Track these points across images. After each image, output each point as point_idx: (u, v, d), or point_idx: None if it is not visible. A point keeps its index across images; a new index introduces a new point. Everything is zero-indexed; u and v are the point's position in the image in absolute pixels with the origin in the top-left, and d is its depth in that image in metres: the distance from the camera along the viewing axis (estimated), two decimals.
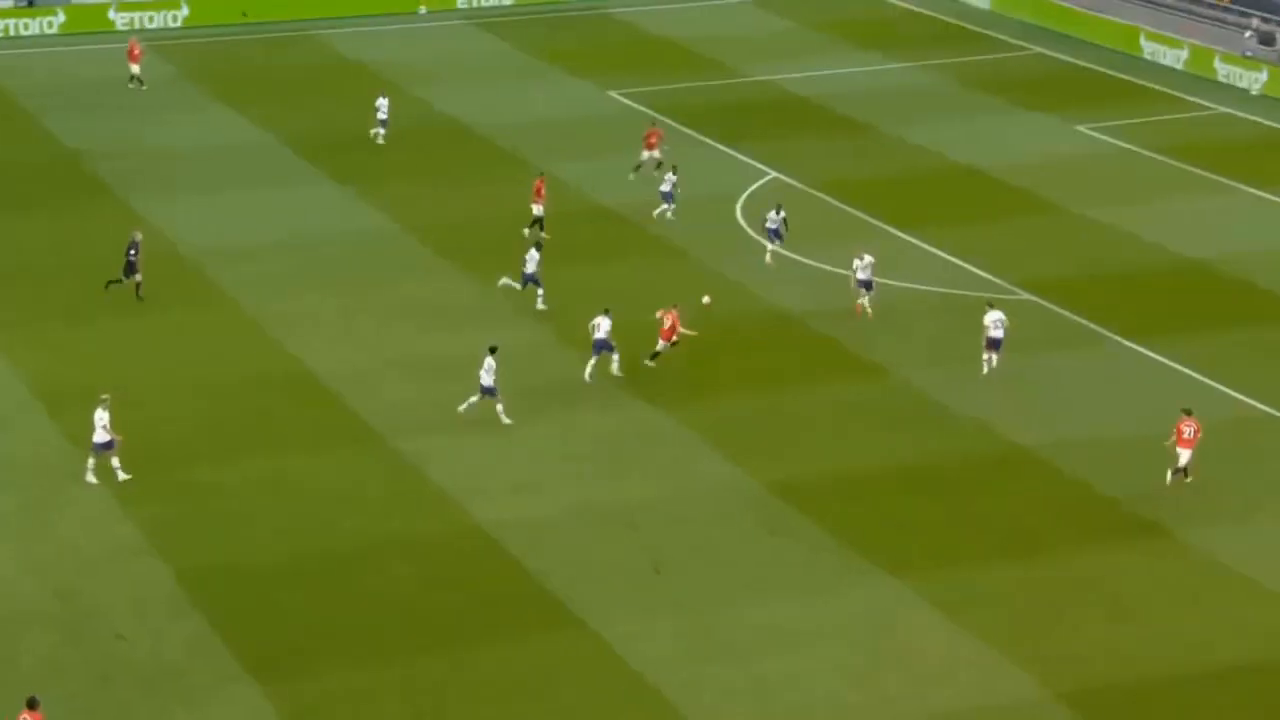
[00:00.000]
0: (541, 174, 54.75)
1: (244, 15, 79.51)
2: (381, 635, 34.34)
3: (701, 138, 64.46)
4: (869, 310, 48.07)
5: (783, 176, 60.10)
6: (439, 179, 60.00)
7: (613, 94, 69.96)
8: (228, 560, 36.75)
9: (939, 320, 48.73)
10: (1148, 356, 46.64)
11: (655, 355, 44.92)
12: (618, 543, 37.55)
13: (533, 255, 48.94)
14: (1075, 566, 36.68)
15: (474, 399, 42.17)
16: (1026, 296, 50.34)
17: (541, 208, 53.77)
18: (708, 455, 41.29)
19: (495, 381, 41.86)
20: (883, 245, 52.71)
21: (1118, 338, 47.61)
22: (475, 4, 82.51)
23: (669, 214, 54.99)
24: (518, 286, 49.05)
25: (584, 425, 42.42)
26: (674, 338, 44.69)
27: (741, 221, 55.95)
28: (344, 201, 57.92)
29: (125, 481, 38.99)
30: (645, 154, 59.35)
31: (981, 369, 45.04)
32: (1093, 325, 48.38)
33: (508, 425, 41.91)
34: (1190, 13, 76.43)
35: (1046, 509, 39.06)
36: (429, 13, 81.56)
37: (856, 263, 48.30)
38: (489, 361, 41.98)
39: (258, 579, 36.04)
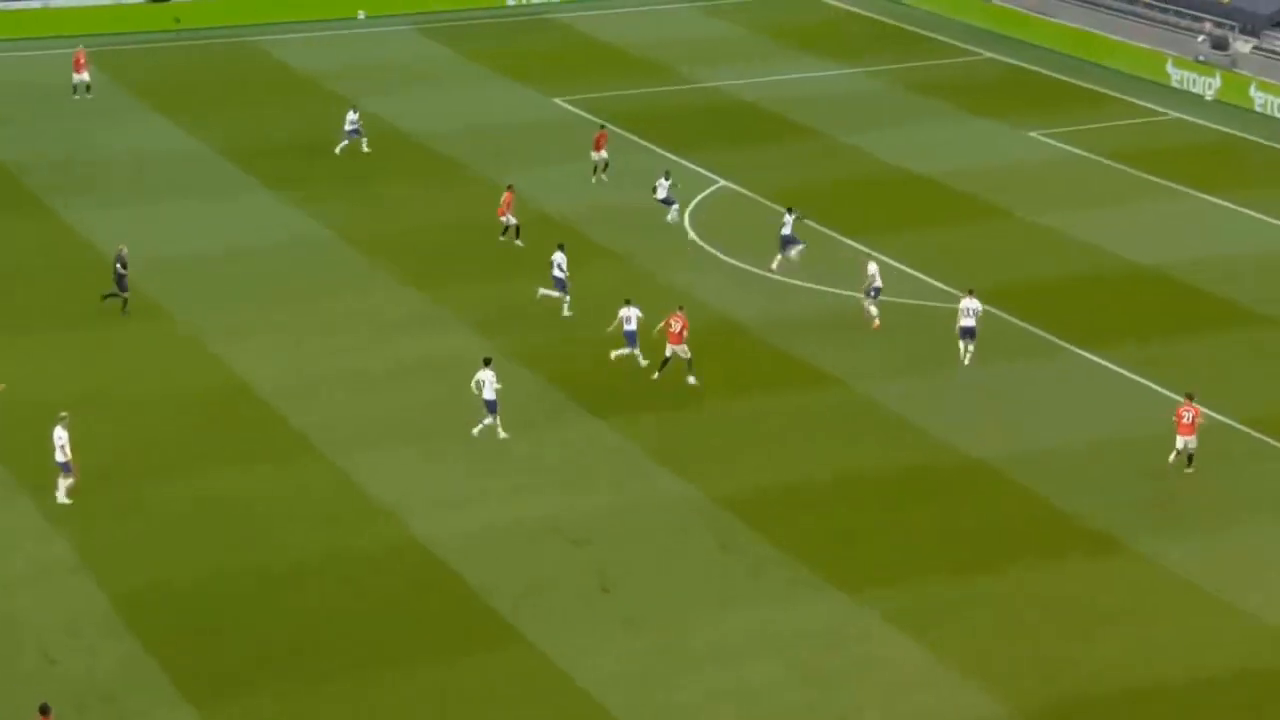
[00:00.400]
0: (509, 186, 54.50)
1: (176, 22, 79.05)
2: (321, 655, 34.06)
3: (648, 145, 64.42)
4: (875, 319, 48.27)
5: (731, 184, 60.12)
6: (380, 188, 59.74)
7: (558, 101, 69.87)
8: (163, 579, 36.39)
9: (891, 330, 48.78)
10: (1103, 365, 46.80)
11: (665, 364, 44.82)
12: (564, 558, 37.39)
13: (559, 259, 49.30)
14: (1034, 581, 36.71)
15: (487, 421, 41.76)
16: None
17: (512, 218, 53.65)
18: (655, 469, 41.17)
19: (497, 395, 41.59)
20: (833, 254, 52.75)
21: (1072, 347, 47.77)
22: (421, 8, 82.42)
23: (672, 217, 55.22)
24: (555, 294, 49.13)
25: (528, 438, 42.24)
26: (683, 342, 44.54)
27: (689, 230, 55.92)
28: (282, 212, 57.59)
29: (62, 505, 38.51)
30: (595, 155, 59.51)
31: (963, 359, 45.95)
32: (1047, 334, 48.53)
33: (504, 439, 41.77)
34: (1141, 16, 76.94)
35: (1004, 523, 39.10)
36: (368, 18, 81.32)
37: (871, 267, 48.64)
38: (487, 375, 41.56)
39: (193, 599, 35.70)
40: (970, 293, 46.54)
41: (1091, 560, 37.49)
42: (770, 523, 38.72)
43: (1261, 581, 36.69)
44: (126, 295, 48.97)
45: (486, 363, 42.01)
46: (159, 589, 36.00)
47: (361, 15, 64.42)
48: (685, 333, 44.65)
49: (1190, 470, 40.48)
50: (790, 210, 52.61)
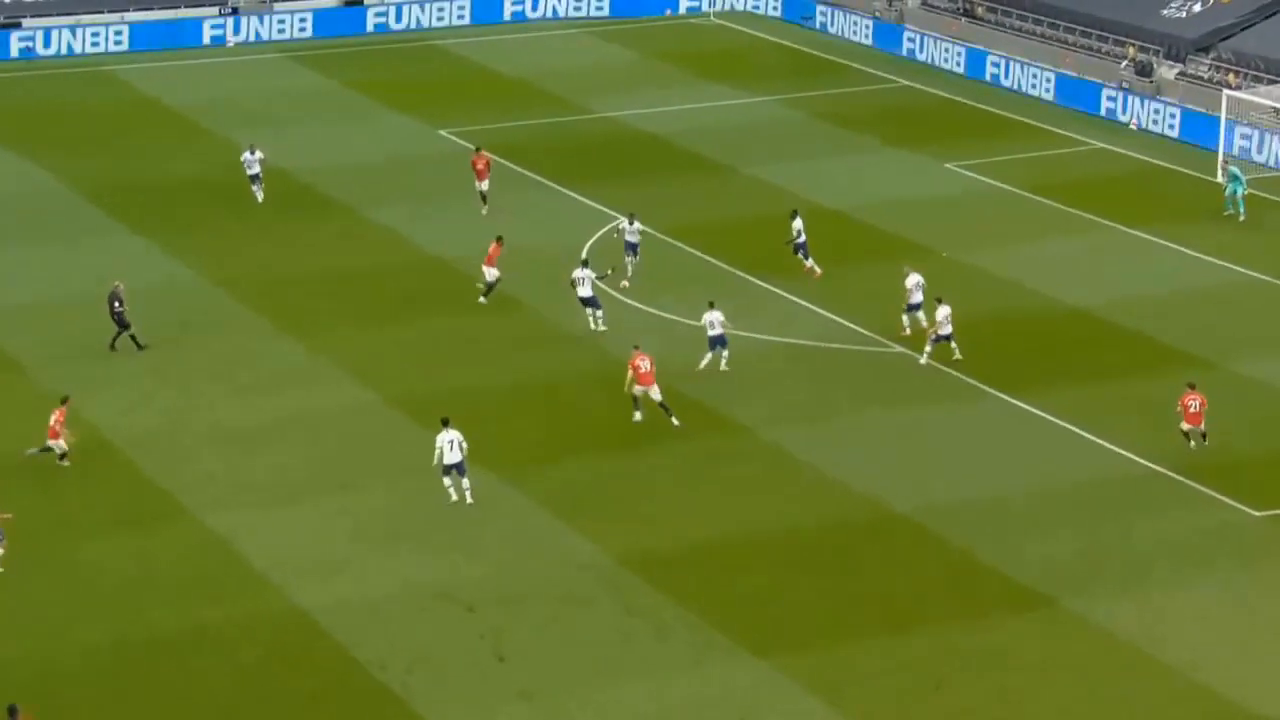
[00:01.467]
0: (499, 238, 53.32)
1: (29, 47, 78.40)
2: None
3: (541, 179, 64.36)
4: (907, 330, 50.52)
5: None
6: (251, 227, 59.27)
7: (443, 132, 69.70)
8: (15, 656, 35.70)
9: (803, 374, 48.87)
10: (1024, 410, 47.06)
11: (637, 402, 45.20)
12: (454, 626, 37.05)
13: (586, 275, 49.85)
14: (957, 641, 36.76)
15: (451, 483, 41.15)
16: (897, 349, 50.65)
17: (494, 271, 52.44)
18: (551, 525, 40.94)
19: (464, 457, 40.92)
20: (740, 295, 52.82)
21: (993, 390, 48.02)
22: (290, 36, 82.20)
23: (629, 268, 54.12)
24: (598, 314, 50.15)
25: (413, 495, 41.90)
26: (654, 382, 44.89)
27: (589, 270, 55.71)
28: (144, 253, 57.00)
29: None
30: (479, 185, 59.34)
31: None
32: (966, 378, 48.78)
33: (470, 505, 41.12)
34: (1064, 42, 77.87)
35: (923, 579, 39.15)
36: (236, 46, 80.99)
37: (911, 279, 50.54)
38: (452, 436, 40.81)
39: (50, 677, 34.99)
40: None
41: (1017, 617, 37.59)
42: (677, 583, 38.54)
43: (1191, 638, 36.91)
44: (131, 330, 49.06)
45: (446, 423, 41.21)
46: (11, 667, 35.28)
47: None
48: (652, 370, 45.05)
49: (1206, 444, 43.92)
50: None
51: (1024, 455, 44.66)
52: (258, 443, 44.50)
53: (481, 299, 52.55)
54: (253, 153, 60.63)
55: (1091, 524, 41.23)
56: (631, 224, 54.71)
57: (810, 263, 55.08)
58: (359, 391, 47.16)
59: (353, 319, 52.13)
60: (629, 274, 54.05)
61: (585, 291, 50.60)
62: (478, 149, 60.48)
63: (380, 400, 46.53)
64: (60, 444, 42.93)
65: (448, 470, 41.22)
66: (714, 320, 48.19)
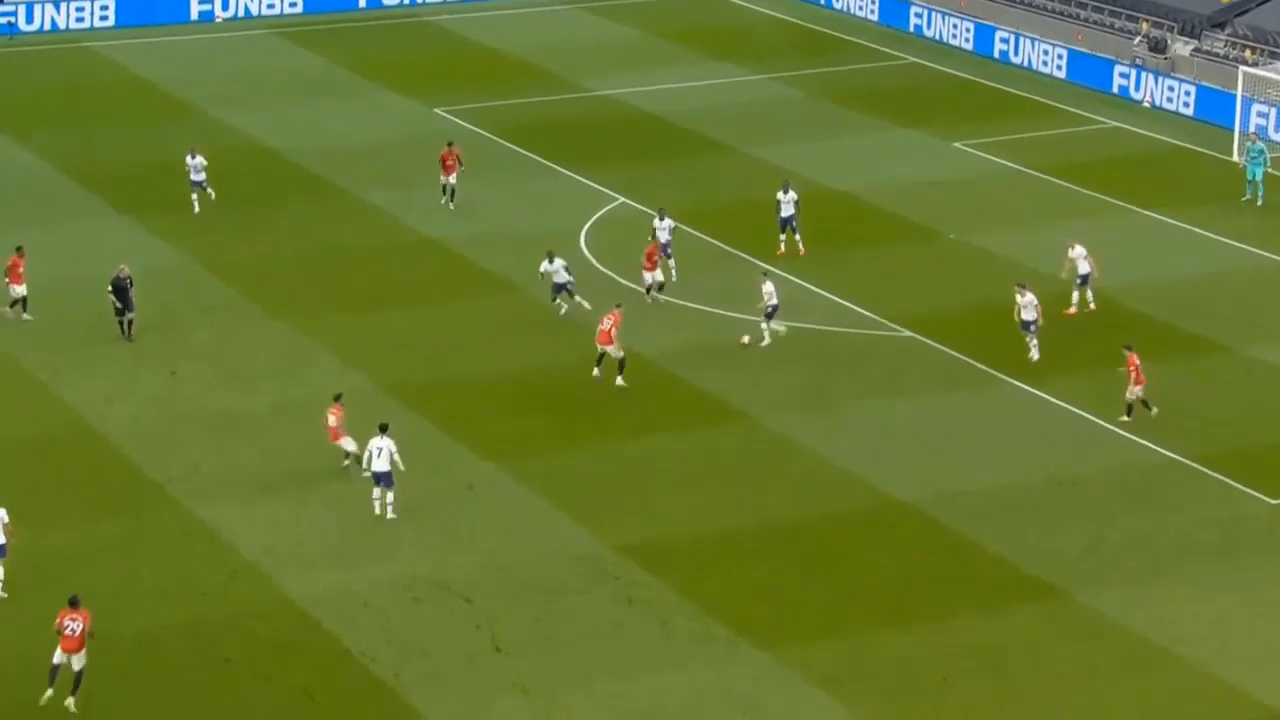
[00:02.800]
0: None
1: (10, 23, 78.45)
2: None
3: (539, 159, 64.45)
4: (1091, 305, 51.06)
5: (631, 202, 60.23)
6: (244, 212, 59.33)
7: (440, 111, 69.78)
8: None
9: (810, 361, 48.98)
10: (1038, 397, 47.19)
11: (600, 359, 45.92)
12: (449, 617, 37.20)
13: (555, 265, 49.59)
14: (962, 633, 36.90)
15: (378, 494, 40.35)
16: (905, 333, 50.78)
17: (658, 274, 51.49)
18: (550, 515, 41.08)
19: (393, 466, 40.07)
20: (743, 278, 52.92)
21: (1005, 377, 48.13)
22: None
23: (672, 272, 52.99)
24: (587, 305, 49.45)
25: (410, 484, 42.02)
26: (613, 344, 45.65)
27: (586, 253, 55.93)
28: (133, 236, 57.08)
29: None
30: (445, 179, 58.57)
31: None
32: (978, 364, 48.89)
33: (392, 520, 40.39)
34: (1075, 18, 77.89)
35: (929, 569, 39.29)
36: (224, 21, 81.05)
37: (1075, 250, 51.31)
38: (383, 444, 40.02)
39: (26, 668, 35.04)
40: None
41: (1026, 609, 37.71)
42: (679, 574, 38.69)
43: (1205, 630, 37.01)
44: (132, 316, 48.81)
45: (383, 429, 40.75)
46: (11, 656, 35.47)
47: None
48: (615, 331, 45.56)
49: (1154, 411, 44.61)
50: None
51: (1035, 442, 44.77)
52: (249, 429, 44.63)
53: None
54: (194, 157, 58.34)
55: (1104, 513, 41.35)
56: (662, 220, 53.91)
57: (797, 239, 54.91)
58: (350, 375, 47.28)
59: (345, 303, 52.25)
60: (673, 277, 52.70)
61: (560, 279, 50.14)
62: (450, 144, 59.80)
63: (373, 387, 46.65)
64: (347, 444, 41.65)
65: (377, 480, 40.18)
66: (770, 290, 48.79)
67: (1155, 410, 44.91)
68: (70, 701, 33.66)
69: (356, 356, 48.68)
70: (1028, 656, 36.18)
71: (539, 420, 45.41)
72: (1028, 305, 48.35)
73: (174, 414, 45.58)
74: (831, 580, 38.81)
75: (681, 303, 51.85)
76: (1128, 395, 44.98)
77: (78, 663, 33.68)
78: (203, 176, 58.19)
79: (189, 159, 58.54)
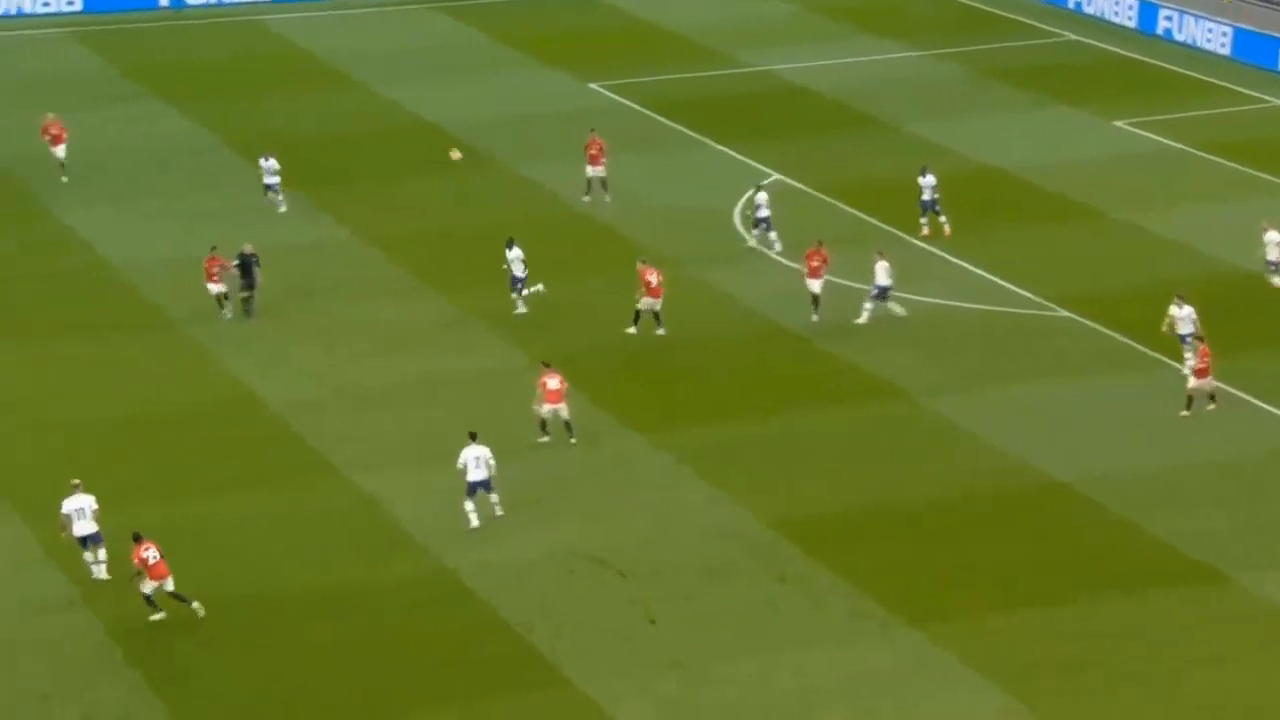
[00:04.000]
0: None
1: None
2: (336, 695, 34.17)
3: (694, 134, 64.53)
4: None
5: (785, 178, 60.19)
6: (401, 185, 59.92)
7: (594, 86, 70.04)
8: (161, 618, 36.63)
9: (965, 339, 48.76)
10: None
11: (638, 317, 46.49)
12: (603, 591, 37.48)
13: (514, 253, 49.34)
14: (1118, 614, 36.65)
15: (474, 506, 39.56)
16: (1064, 314, 50.42)
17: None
18: (702, 491, 41.23)
19: (491, 474, 39.53)
20: (900, 255, 52.75)
21: (1167, 360, 47.66)
22: None
23: (775, 243, 53.51)
24: (541, 289, 49.43)
25: (563, 457, 42.33)
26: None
27: (739, 228, 56.00)
28: (295, 211, 57.72)
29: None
30: (590, 170, 57.51)
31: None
32: (1140, 346, 48.44)
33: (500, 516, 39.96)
34: None
35: (1087, 552, 39.04)
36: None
37: (1270, 235, 51.08)
38: (480, 452, 39.25)
39: (192, 636, 35.78)
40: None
41: (1187, 594, 37.39)
42: (832, 551, 38.73)
43: None
44: (255, 293, 49.34)
45: (474, 438, 39.72)
46: (160, 627, 36.12)
47: (456, 154, 59.89)
48: (659, 284, 46.63)
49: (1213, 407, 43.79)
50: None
51: (1197, 426, 44.30)
52: (409, 401, 45.13)
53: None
54: (266, 160, 57.11)
55: (1265, 496, 40.86)
56: (757, 193, 54.16)
57: (941, 220, 54.64)
58: (509, 350, 47.65)
59: (496, 277, 52.57)
60: (775, 246, 53.46)
61: (518, 271, 49.39)
62: (592, 130, 59.09)
63: (526, 362, 46.96)
64: (564, 411, 41.71)
65: (473, 490, 39.42)
66: (883, 268, 48.55)
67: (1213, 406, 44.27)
68: (197, 605, 35.76)
69: (510, 329, 49.01)
70: (1185, 638, 35.87)
71: (690, 393, 45.51)
72: (1185, 318, 46.30)
73: (338, 384, 46.16)
74: (987, 560, 38.68)
75: (832, 279, 51.74)
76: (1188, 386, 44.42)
77: (170, 584, 35.85)
78: (275, 180, 56.58)
79: (262, 161, 57.10)
